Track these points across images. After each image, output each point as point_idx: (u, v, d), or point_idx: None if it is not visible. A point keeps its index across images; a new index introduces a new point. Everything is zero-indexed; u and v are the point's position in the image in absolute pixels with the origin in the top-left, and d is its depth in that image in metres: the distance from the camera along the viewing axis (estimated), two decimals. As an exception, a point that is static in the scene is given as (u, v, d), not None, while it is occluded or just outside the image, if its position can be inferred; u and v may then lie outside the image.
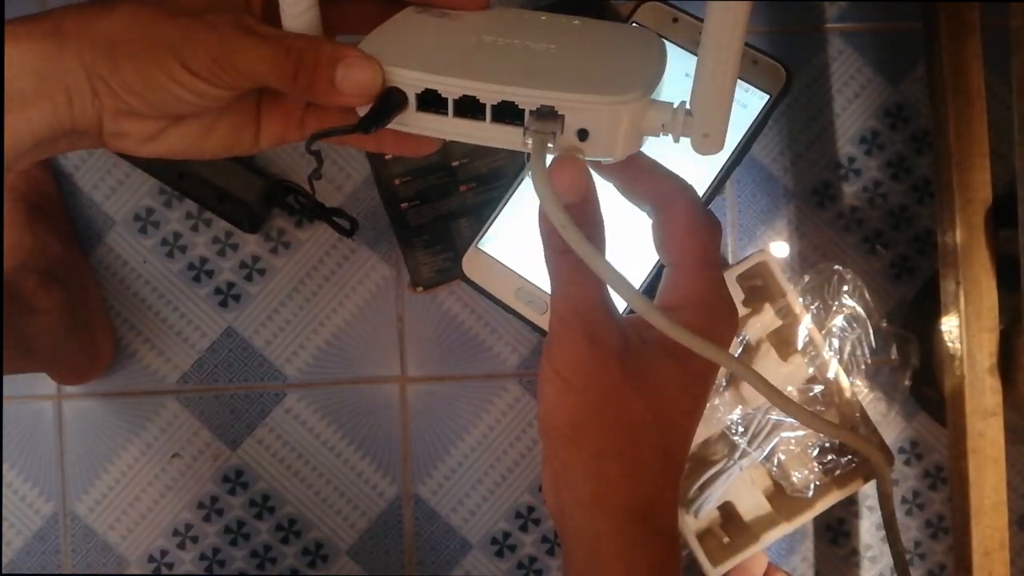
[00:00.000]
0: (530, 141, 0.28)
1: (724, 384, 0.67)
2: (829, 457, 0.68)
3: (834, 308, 0.70)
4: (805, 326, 0.67)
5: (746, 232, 0.78)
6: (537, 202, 0.28)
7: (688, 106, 0.29)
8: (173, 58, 0.29)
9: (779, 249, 0.78)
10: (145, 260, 0.76)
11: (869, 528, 0.79)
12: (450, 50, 0.30)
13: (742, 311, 0.67)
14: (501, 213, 0.44)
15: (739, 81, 0.39)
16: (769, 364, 0.66)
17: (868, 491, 0.78)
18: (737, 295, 0.66)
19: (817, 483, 0.68)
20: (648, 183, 0.31)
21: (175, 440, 0.77)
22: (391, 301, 0.77)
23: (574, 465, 0.31)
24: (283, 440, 0.77)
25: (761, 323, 0.67)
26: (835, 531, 0.79)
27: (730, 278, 0.66)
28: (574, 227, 0.27)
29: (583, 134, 0.28)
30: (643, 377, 0.30)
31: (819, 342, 0.67)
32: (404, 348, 0.77)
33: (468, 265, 0.43)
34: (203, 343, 0.77)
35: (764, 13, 0.78)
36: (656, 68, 0.30)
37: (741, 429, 0.67)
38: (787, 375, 0.67)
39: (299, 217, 0.76)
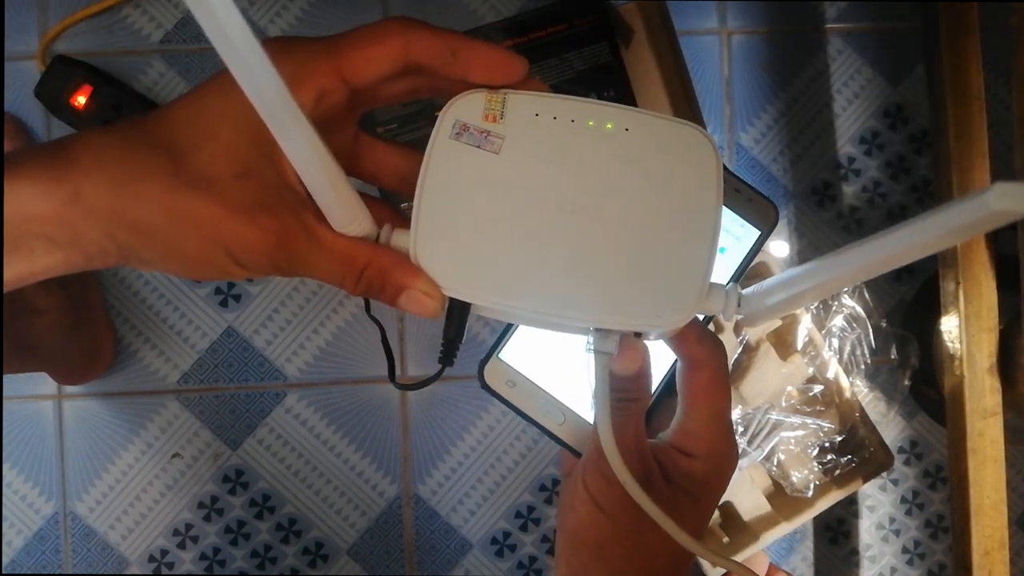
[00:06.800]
0: (592, 357, 0.32)
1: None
2: (829, 457, 0.68)
3: (834, 308, 0.70)
4: (805, 326, 0.67)
5: (746, 232, 0.78)
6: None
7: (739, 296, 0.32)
8: (229, 259, 0.28)
9: (779, 249, 0.78)
10: (145, 260, 0.76)
11: (869, 528, 0.79)
12: (504, 250, 0.31)
13: (742, 311, 0.67)
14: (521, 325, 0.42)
15: (735, 216, 0.42)
16: (769, 364, 0.66)
17: (868, 491, 0.79)
18: (737, 295, 0.66)
19: (817, 483, 0.68)
20: (684, 342, 0.35)
21: (175, 440, 0.77)
22: (391, 301, 0.77)
23: (596, 574, 0.36)
24: (283, 440, 0.77)
25: (761, 323, 0.67)
26: (835, 531, 0.79)
27: (730, 278, 0.66)
28: (631, 478, 0.32)
29: (638, 334, 0.32)
30: (664, 511, 0.35)
31: (819, 342, 0.67)
32: (404, 348, 0.77)
33: (489, 376, 0.43)
34: (203, 343, 0.77)
35: (764, 13, 0.78)
36: (710, 247, 0.31)
37: (741, 429, 0.67)
38: (787, 375, 0.67)
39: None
